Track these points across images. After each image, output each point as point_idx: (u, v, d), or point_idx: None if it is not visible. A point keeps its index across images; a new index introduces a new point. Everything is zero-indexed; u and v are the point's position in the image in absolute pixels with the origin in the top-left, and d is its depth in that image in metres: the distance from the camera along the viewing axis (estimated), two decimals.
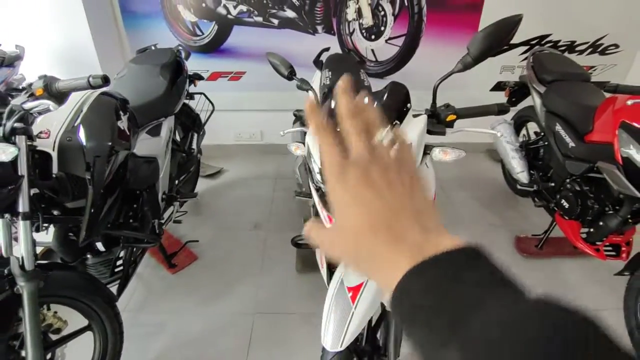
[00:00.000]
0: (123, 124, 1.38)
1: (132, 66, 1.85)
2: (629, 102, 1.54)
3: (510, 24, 1.03)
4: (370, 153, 0.32)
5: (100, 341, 1.31)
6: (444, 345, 0.23)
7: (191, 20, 2.75)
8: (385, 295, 0.28)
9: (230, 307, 1.87)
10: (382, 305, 1.23)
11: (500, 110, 1.14)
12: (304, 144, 1.27)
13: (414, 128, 1.05)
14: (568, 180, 1.97)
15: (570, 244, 1.97)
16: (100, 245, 1.43)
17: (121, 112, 1.40)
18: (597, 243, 1.86)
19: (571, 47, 2.97)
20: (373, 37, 2.83)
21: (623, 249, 1.84)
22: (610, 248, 1.88)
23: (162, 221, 1.80)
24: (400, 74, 2.96)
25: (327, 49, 2.56)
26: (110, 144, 1.26)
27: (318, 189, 1.13)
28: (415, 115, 1.14)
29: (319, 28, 2.78)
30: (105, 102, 1.33)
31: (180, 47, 2.16)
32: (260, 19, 2.74)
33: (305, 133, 1.29)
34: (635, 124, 1.57)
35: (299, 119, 1.72)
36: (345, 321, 1.06)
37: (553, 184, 2.12)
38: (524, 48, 2.97)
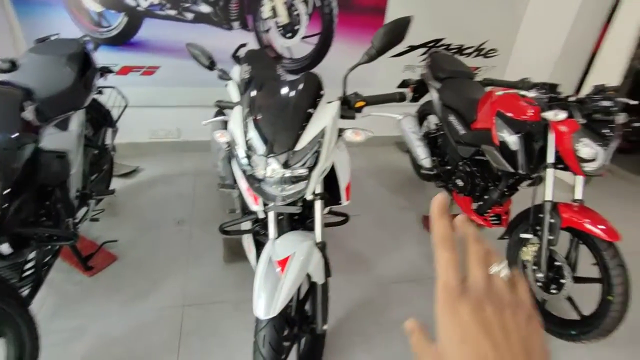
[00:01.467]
0: (28, 115, 1.30)
1: (33, 56, 1.71)
2: (499, 93, 1.87)
3: (404, 23, 1.21)
4: (487, 285, 0.32)
5: (14, 349, 1.22)
6: None
7: (96, 11, 2.59)
8: None
9: (157, 302, 1.84)
10: (309, 278, 1.35)
11: (401, 98, 1.33)
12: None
13: (328, 112, 1.18)
14: (460, 163, 2.31)
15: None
16: (6, 247, 1.32)
17: (25, 103, 1.31)
18: (485, 214, 2.21)
19: (460, 50, 3.43)
20: (289, 35, 2.95)
21: (503, 217, 2.22)
22: (494, 217, 2.25)
23: (77, 220, 1.71)
24: (316, 71, 3.12)
25: (244, 45, 2.61)
26: (16, 136, 1.18)
27: (244, 173, 1.20)
28: (329, 103, 1.27)
29: (235, 24, 2.81)
30: (7, 92, 1.24)
31: (87, 38, 2.04)
32: (173, 12, 2.68)
33: (226, 123, 1.35)
34: (507, 113, 1.91)
35: (221, 109, 1.76)
36: (275, 290, 1.15)
37: (449, 167, 2.46)
38: (423, 50, 3.35)
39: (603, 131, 1.59)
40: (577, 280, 1.70)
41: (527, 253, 1.81)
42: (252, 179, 1.20)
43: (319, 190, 1.33)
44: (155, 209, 2.50)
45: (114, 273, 1.99)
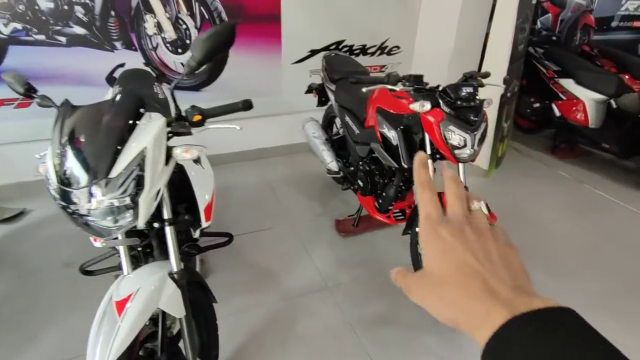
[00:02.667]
0: None
1: None
2: (373, 88, 1.84)
3: (228, 29, 1.14)
4: (467, 216, 0.35)
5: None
6: None
7: None
8: (479, 343, 0.29)
9: (35, 358, 1.63)
10: (186, 317, 1.22)
11: (245, 106, 1.25)
12: None
13: (149, 132, 1.07)
14: (360, 162, 2.28)
15: None
16: None
17: None
18: (388, 211, 2.19)
19: (364, 49, 3.45)
20: (180, 50, 2.82)
21: (407, 212, 2.21)
22: (398, 212, 2.24)
23: None
24: (216, 85, 3.01)
25: (121, 65, 2.45)
26: None
27: (64, 210, 1.06)
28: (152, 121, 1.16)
29: (118, 44, 2.64)
30: None
31: None
32: (42, 37, 2.46)
33: None
34: (385, 108, 1.90)
35: None
36: (110, 338, 1.01)
37: (352, 168, 2.43)
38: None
39: (469, 117, 1.60)
40: None
41: None
42: (74, 217, 1.06)
43: (167, 215, 1.21)
44: (41, 254, 2.25)
45: None
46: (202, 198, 1.35)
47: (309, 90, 2.88)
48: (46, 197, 2.92)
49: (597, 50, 3.91)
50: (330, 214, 2.70)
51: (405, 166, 1.81)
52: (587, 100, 3.31)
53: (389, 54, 3.57)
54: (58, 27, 2.48)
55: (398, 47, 3.57)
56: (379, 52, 3.52)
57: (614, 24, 4.63)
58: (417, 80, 1.66)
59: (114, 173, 1.01)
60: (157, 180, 1.08)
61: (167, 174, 1.12)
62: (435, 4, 3.35)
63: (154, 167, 1.06)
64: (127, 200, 1.03)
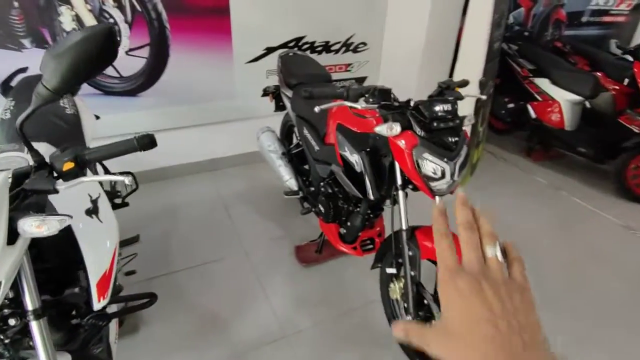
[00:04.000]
0: None
1: None
2: (328, 107, 1.48)
3: (100, 34, 0.77)
4: (482, 265, 0.36)
5: None
6: None
7: None
8: None
9: None
10: None
11: (142, 144, 0.87)
12: None
13: None
14: (322, 184, 1.95)
15: None
16: None
17: None
18: (354, 242, 1.88)
19: (327, 47, 3.10)
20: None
21: (377, 241, 1.91)
22: (368, 242, 1.93)
23: None
24: (157, 89, 2.59)
25: (23, 70, 1.99)
26: None
27: None
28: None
29: (26, 42, 2.16)
30: None
31: None
32: None
33: None
34: (347, 126, 1.57)
35: None
36: None
37: (313, 189, 2.10)
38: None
39: (448, 140, 1.30)
40: None
41: (395, 291, 1.50)
42: None
43: (32, 305, 0.84)
44: None
45: None
46: (95, 268, 0.98)
47: (265, 93, 2.51)
48: None
49: (570, 46, 3.75)
50: (291, 237, 2.37)
51: (372, 198, 1.49)
52: (563, 101, 3.12)
53: (355, 51, 3.24)
54: None
55: (365, 44, 3.25)
56: (343, 49, 3.18)
57: (584, 18, 4.50)
58: (383, 95, 1.33)
59: None
60: None
61: (13, 259, 0.74)
62: None
63: None
64: None
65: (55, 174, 0.82)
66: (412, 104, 1.36)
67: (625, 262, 2.30)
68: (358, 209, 1.76)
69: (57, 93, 0.76)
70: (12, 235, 0.74)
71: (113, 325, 1.35)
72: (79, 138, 1.58)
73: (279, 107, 2.49)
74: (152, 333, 1.72)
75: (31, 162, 0.83)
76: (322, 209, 1.91)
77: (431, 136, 1.29)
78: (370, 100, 1.32)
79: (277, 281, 2.04)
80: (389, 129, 1.27)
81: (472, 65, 2.65)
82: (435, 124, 1.28)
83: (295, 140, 2.55)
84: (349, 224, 1.79)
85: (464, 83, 1.56)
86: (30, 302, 0.83)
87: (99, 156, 0.86)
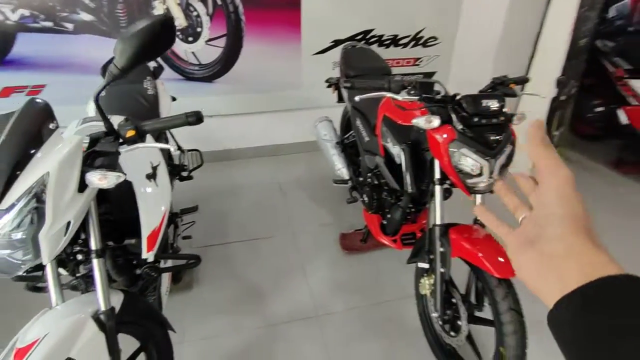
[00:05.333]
0: None
1: None
2: (368, 96, 1.50)
3: (160, 24, 0.90)
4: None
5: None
6: None
7: None
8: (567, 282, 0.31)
9: None
10: None
11: (191, 120, 1.01)
12: None
13: (54, 154, 0.87)
14: (369, 174, 1.99)
15: None
16: None
17: None
18: (395, 235, 1.89)
19: (395, 40, 3.08)
20: (190, 39, 2.65)
21: (418, 236, 1.90)
22: (409, 236, 1.93)
23: None
24: (230, 76, 2.82)
25: None
26: None
27: None
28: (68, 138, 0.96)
29: None
30: None
31: None
32: (50, 23, 2.39)
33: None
34: (392, 117, 1.59)
35: None
36: None
37: (362, 179, 2.14)
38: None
39: (489, 137, 1.26)
40: (473, 320, 1.38)
41: (425, 286, 1.49)
42: None
43: (95, 245, 1.03)
44: None
45: None
46: (147, 223, 1.15)
47: (329, 84, 2.59)
48: None
49: None
50: (339, 224, 2.44)
51: (410, 190, 1.50)
52: None
53: (424, 45, 3.16)
54: (65, 14, 2.39)
55: (435, 38, 3.16)
56: (412, 43, 3.13)
57: None
58: (424, 87, 1.33)
59: (5, 203, 0.83)
60: (64, 212, 0.89)
61: (81, 203, 0.92)
62: None
63: (58, 196, 0.87)
64: (23, 236, 0.85)
65: (120, 140, 0.99)
66: (456, 98, 1.33)
67: None
68: (400, 202, 1.76)
69: (124, 71, 0.92)
70: (83, 185, 0.92)
71: (165, 278, 1.56)
72: (156, 115, 1.82)
73: (341, 98, 2.56)
74: (201, 293, 1.92)
75: (104, 130, 1.02)
76: (366, 199, 1.95)
77: (472, 132, 1.26)
78: (412, 92, 1.33)
79: (318, 264, 2.13)
80: (428, 122, 1.27)
81: (550, 63, 2.46)
82: (476, 120, 1.24)
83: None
84: (389, 216, 1.81)
85: (523, 80, 1.48)
86: (94, 243, 1.02)
87: (155, 128, 1.01)
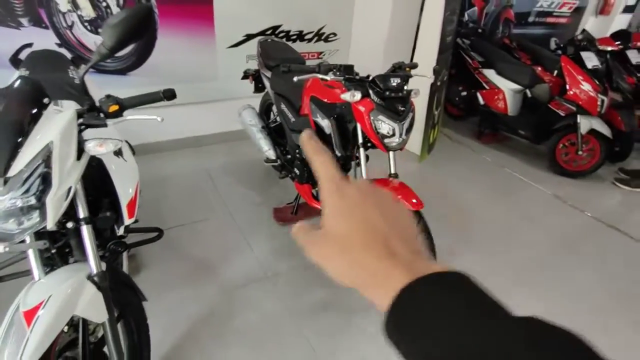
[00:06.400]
0: None
1: None
2: (304, 77, 1.81)
3: (143, 11, 1.06)
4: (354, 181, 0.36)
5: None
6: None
7: None
8: (378, 305, 0.30)
9: None
10: (110, 321, 1.15)
11: (167, 95, 1.18)
12: None
13: (55, 125, 0.97)
14: (297, 150, 2.28)
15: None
16: None
17: None
18: None
19: (301, 36, 3.42)
20: (100, 30, 2.58)
21: None
22: None
23: None
24: (145, 69, 2.82)
25: (28, 45, 2.19)
26: None
27: None
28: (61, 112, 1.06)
29: (24, 21, 2.35)
30: None
31: None
32: None
33: None
34: (319, 97, 1.91)
35: None
36: (19, 349, 0.93)
37: (290, 156, 2.42)
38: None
39: (397, 107, 1.66)
40: None
41: None
42: None
43: (83, 213, 1.12)
44: None
45: None
46: (124, 193, 1.26)
47: (245, 76, 2.80)
48: None
49: (516, 43, 4.24)
50: (269, 202, 2.68)
51: (338, 154, 1.84)
52: (507, 89, 3.59)
53: (326, 40, 3.57)
54: None
55: (335, 34, 3.59)
56: (316, 38, 3.50)
57: (530, 19, 5.04)
58: (347, 70, 1.68)
59: (13, 171, 0.91)
60: (66, 178, 0.99)
61: (79, 170, 1.03)
62: None
63: (62, 163, 0.97)
64: (32, 200, 0.94)
65: (102, 114, 1.10)
66: (370, 78, 1.71)
67: (549, 222, 2.78)
68: None
69: (112, 51, 1.04)
70: (79, 154, 1.02)
71: (125, 257, 1.63)
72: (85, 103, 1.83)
73: (258, 88, 2.79)
74: (151, 274, 1.99)
75: (86, 105, 1.11)
76: (297, 171, 2.25)
77: (385, 103, 1.65)
78: (337, 73, 1.66)
79: (259, 236, 2.36)
80: (352, 96, 1.62)
81: (427, 55, 3.05)
82: (387, 93, 1.63)
83: (272, 117, 2.86)
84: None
85: (414, 65, 1.93)
86: (82, 211, 1.12)
87: (134, 103, 1.15)
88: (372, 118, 1.63)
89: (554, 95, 3.51)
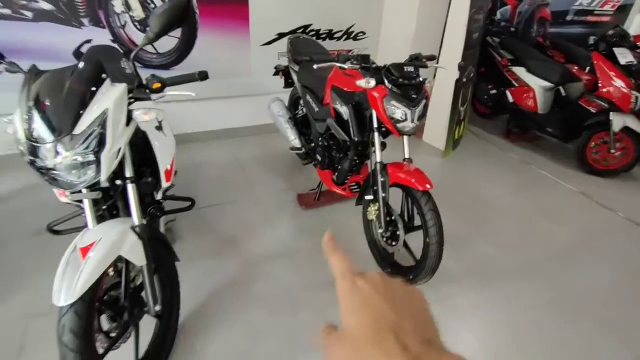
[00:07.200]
0: None
1: None
2: (324, 66, 1.96)
3: (181, 5, 1.26)
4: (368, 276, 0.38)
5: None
6: None
7: None
8: None
9: (5, 314, 1.73)
10: (148, 267, 1.35)
11: (201, 77, 1.38)
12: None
13: (110, 96, 1.19)
14: (320, 139, 2.44)
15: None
16: None
17: None
18: (344, 184, 2.37)
19: (330, 34, 3.59)
20: (148, 29, 2.87)
21: (362, 184, 2.39)
22: (354, 185, 2.41)
23: None
24: (186, 64, 3.09)
25: (88, 41, 2.50)
26: None
27: (32, 166, 1.17)
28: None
29: (85, 21, 2.68)
30: None
31: None
32: (7, 11, 2.48)
33: None
34: (339, 86, 2.06)
35: None
36: (75, 277, 1.14)
37: (313, 145, 2.58)
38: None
39: (410, 94, 1.78)
40: (408, 230, 1.89)
41: (372, 213, 1.98)
42: (43, 173, 1.17)
43: (129, 173, 1.34)
44: (9, 224, 2.32)
45: None
46: (163, 161, 1.48)
47: (276, 72, 3.00)
48: (13, 170, 2.96)
49: (550, 42, 4.18)
50: (295, 189, 2.86)
51: (356, 139, 1.98)
52: (537, 87, 3.57)
53: (355, 39, 3.71)
54: (24, 2, 2.50)
55: (364, 33, 3.72)
56: (345, 37, 3.66)
57: (569, 17, 4.93)
58: (364, 59, 1.82)
59: (77, 130, 1.13)
60: (118, 139, 1.20)
61: (127, 135, 1.24)
62: None
63: (115, 127, 1.18)
64: (90, 157, 1.15)
65: (147, 91, 1.31)
66: (385, 67, 1.84)
67: (573, 218, 2.75)
68: (347, 155, 2.24)
69: (157, 36, 1.25)
70: (128, 121, 1.23)
71: (162, 227, 1.85)
72: None
73: (288, 84, 2.98)
74: (184, 246, 2.21)
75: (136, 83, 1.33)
76: (319, 158, 2.40)
77: (399, 90, 1.77)
78: (355, 62, 1.80)
79: (283, 219, 2.53)
80: (367, 83, 1.75)
81: (453, 52, 3.12)
82: (401, 81, 1.75)
83: (299, 110, 3.04)
84: (340, 168, 2.28)
85: (431, 57, 2.03)
86: (128, 171, 1.33)
87: (173, 82, 1.35)
88: (385, 103, 1.75)
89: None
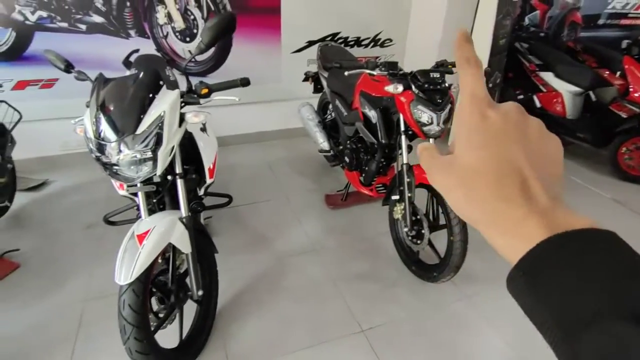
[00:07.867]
0: None
1: None
2: (353, 72, 2.07)
3: (228, 18, 1.41)
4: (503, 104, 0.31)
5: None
6: (588, 326, 0.22)
7: None
8: (499, 248, 0.28)
9: (57, 301, 1.92)
10: (192, 254, 1.50)
11: (243, 82, 1.52)
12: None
13: (166, 100, 1.34)
14: (348, 141, 2.55)
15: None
16: None
17: None
18: (371, 185, 2.46)
19: (358, 41, 3.70)
20: (188, 39, 3.09)
21: (388, 185, 2.48)
22: (381, 186, 2.51)
23: None
24: (221, 72, 3.28)
25: (136, 51, 2.71)
26: None
27: (98, 162, 1.33)
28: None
29: (132, 32, 2.91)
30: None
31: None
32: (65, 24, 2.74)
33: None
34: (367, 92, 2.17)
35: None
36: (133, 259, 1.30)
37: (341, 147, 2.70)
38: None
39: (436, 98, 1.86)
40: (432, 228, 1.97)
41: (397, 212, 2.06)
42: (106, 167, 1.33)
43: (179, 169, 1.49)
44: (64, 217, 2.55)
45: (15, 280, 2.04)
46: (207, 159, 1.63)
47: (306, 78, 3.14)
48: (69, 169, 3.22)
49: (581, 46, 4.14)
50: (322, 190, 2.97)
51: (383, 141, 2.08)
52: (565, 92, 3.55)
53: (382, 46, 3.82)
54: (79, 16, 2.75)
55: (391, 40, 3.82)
56: (372, 44, 3.77)
57: (601, 21, 4.84)
58: (391, 66, 1.92)
59: (139, 131, 1.29)
60: (172, 138, 1.35)
61: (179, 134, 1.40)
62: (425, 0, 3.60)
63: (170, 127, 1.33)
64: (148, 153, 1.31)
65: (196, 95, 1.47)
66: (412, 73, 1.93)
67: (605, 224, 2.73)
68: (374, 157, 2.34)
69: (207, 47, 1.40)
70: (180, 123, 1.39)
71: (201, 218, 2.01)
72: None
73: (317, 89, 3.12)
74: (220, 240, 2.34)
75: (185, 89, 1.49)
76: (347, 160, 2.51)
77: (424, 95, 1.86)
78: (382, 69, 1.91)
79: (311, 217, 2.65)
80: (395, 88, 1.85)
81: (479, 57, 3.16)
82: (427, 86, 1.85)
83: (328, 115, 3.17)
84: (367, 169, 2.38)
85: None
86: (178, 168, 1.49)
87: (219, 88, 1.50)
88: (412, 108, 1.84)
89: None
